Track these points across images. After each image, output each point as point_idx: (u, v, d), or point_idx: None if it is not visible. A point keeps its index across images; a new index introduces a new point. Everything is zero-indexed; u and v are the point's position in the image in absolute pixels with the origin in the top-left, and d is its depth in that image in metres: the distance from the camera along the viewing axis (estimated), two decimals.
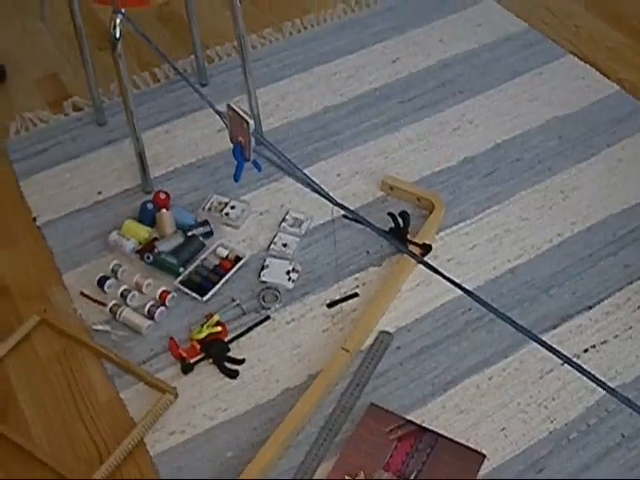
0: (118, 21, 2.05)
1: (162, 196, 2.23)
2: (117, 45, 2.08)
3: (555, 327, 1.99)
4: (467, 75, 2.71)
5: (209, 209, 2.27)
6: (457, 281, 2.02)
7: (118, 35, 2.06)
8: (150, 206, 2.22)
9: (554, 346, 1.31)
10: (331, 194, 2.29)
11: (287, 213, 2.26)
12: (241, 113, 1.26)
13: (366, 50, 2.83)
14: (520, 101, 2.61)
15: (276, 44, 2.88)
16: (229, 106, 1.29)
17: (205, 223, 2.20)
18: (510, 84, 2.68)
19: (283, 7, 3.07)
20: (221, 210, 2.26)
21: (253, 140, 1.28)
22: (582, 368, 1.30)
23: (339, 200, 2.25)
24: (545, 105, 2.59)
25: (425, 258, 2.09)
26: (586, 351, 1.94)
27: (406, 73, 2.73)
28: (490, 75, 2.71)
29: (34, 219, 2.32)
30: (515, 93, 2.64)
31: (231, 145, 1.37)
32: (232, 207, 2.27)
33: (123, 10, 2.02)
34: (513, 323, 1.36)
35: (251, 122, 1.26)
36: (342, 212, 1.43)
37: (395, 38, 2.88)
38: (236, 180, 1.39)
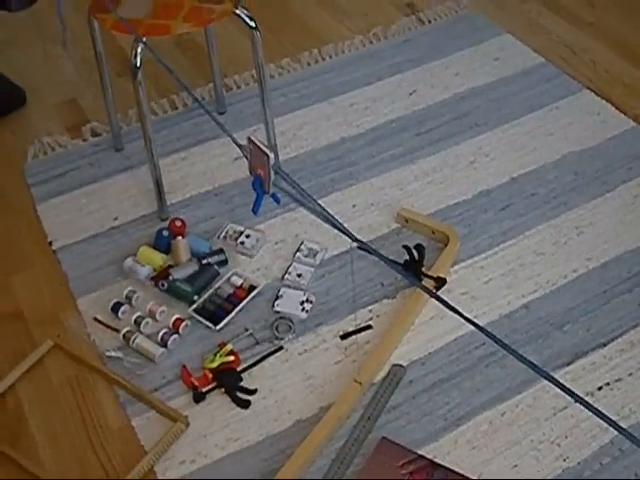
0: (139, 50, 2.07)
1: (178, 224, 2.24)
2: (137, 73, 2.10)
3: (569, 364, 1.97)
4: (483, 108, 2.72)
5: (224, 237, 2.28)
6: (469, 316, 2.02)
7: (139, 63, 2.08)
8: (166, 233, 2.23)
9: (567, 384, 1.30)
10: (346, 225, 2.30)
11: (302, 243, 2.27)
12: (261, 146, 1.27)
13: (383, 82, 2.85)
14: (536, 135, 2.62)
15: (294, 74, 2.90)
16: (250, 139, 1.30)
17: (220, 251, 2.21)
18: (526, 118, 2.68)
19: (301, 37, 3.09)
20: (236, 239, 2.27)
21: (273, 173, 1.28)
22: (594, 408, 1.29)
23: (354, 231, 2.26)
24: (561, 140, 2.60)
25: (439, 292, 2.09)
26: (600, 389, 1.92)
27: (423, 105, 2.74)
28: (506, 109, 2.72)
29: (50, 243, 2.33)
30: (531, 127, 2.65)
31: (250, 176, 1.37)
32: (247, 236, 2.27)
33: (144, 39, 2.04)
34: (525, 360, 1.35)
35: (271, 155, 1.26)
36: (357, 244, 1.44)
37: (412, 70, 2.89)
38: (255, 212, 1.39)
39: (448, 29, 3.10)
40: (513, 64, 2.92)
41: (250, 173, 1.33)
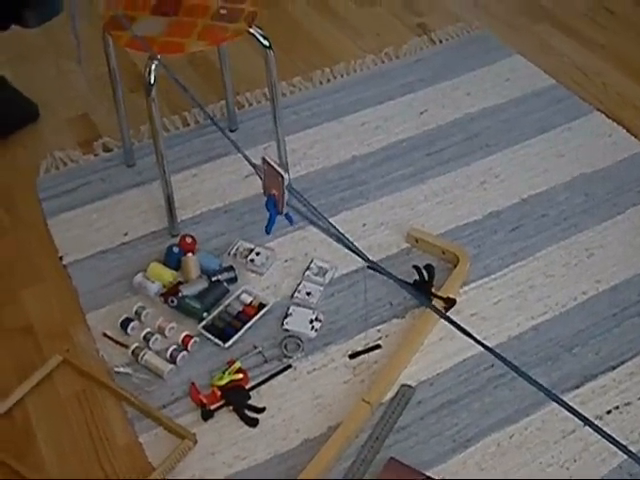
0: (153, 67, 2.08)
1: (188, 240, 2.24)
2: (151, 90, 2.11)
3: (578, 387, 1.97)
4: (494, 129, 2.73)
5: (234, 255, 2.29)
6: (479, 337, 2.02)
7: (153, 81, 2.09)
8: (176, 250, 2.24)
9: (576, 407, 1.29)
10: (356, 244, 2.30)
11: (312, 262, 2.27)
12: (276, 166, 1.28)
13: (394, 101, 2.86)
14: (547, 157, 2.62)
15: (305, 92, 2.91)
16: (264, 159, 1.30)
17: (230, 269, 2.21)
18: (537, 139, 2.69)
19: (313, 56, 3.10)
20: (246, 256, 2.27)
21: (287, 194, 1.29)
22: (603, 431, 1.29)
23: (364, 251, 2.26)
24: (572, 162, 2.60)
25: (449, 312, 2.09)
26: (609, 412, 1.92)
27: (433, 125, 2.75)
28: (517, 130, 2.72)
29: (60, 258, 2.34)
30: (542, 149, 2.65)
31: (262, 194, 1.38)
32: (257, 253, 2.28)
33: (159, 56, 2.05)
34: (534, 382, 1.35)
35: (286, 176, 1.27)
36: (366, 262, 1.44)
37: (423, 90, 2.90)
38: (268, 232, 1.40)
39: (459, 49, 3.11)
40: (524, 85, 2.92)
41: (264, 193, 1.33)
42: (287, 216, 1.35)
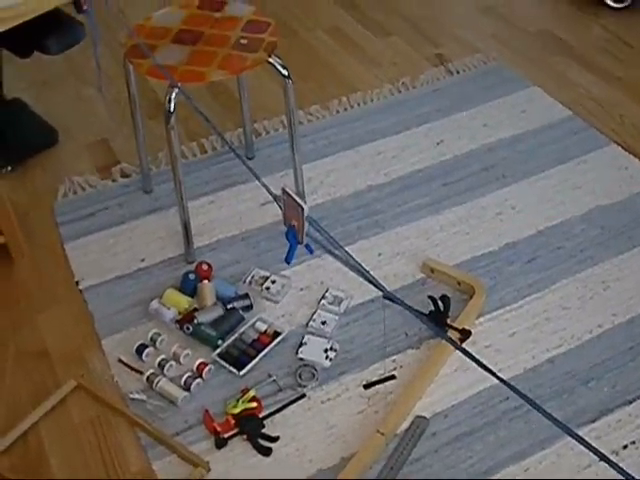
0: (173, 95, 2.10)
1: (204, 267, 2.25)
2: (171, 118, 2.13)
3: (594, 421, 1.96)
4: (510, 160, 2.73)
5: (250, 282, 2.29)
6: (494, 370, 2.01)
7: (172, 109, 2.11)
8: (192, 276, 2.25)
9: (591, 442, 1.28)
10: (372, 273, 2.30)
11: (327, 290, 2.27)
12: (296, 198, 1.28)
13: (411, 131, 2.87)
14: (563, 189, 2.62)
15: (323, 121, 2.93)
16: (284, 190, 1.31)
17: (245, 296, 2.21)
18: (553, 171, 2.69)
19: (330, 85, 3.12)
20: (262, 284, 2.28)
21: (306, 224, 1.30)
22: (618, 466, 1.28)
23: (380, 280, 2.27)
24: (588, 194, 2.60)
25: (464, 344, 2.08)
26: (625, 447, 1.90)
27: (450, 156, 2.75)
28: (534, 161, 2.73)
29: (77, 283, 2.35)
30: (558, 180, 2.65)
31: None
32: (273, 282, 2.28)
33: (179, 85, 2.07)
34: (549, 416, 1.34)
35: (305, 207, 1.28)
36: (383, 293, 1.45)
37: (440, 120, 2.92)
38: (288, 262, 1.41)
39: (476, 80, 3.12)
40: (541, 117, 2.93)
41: (284, 223, 1.34)
42: (307, 246, 1.36)
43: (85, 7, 2.08)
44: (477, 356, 1.98)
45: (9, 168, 2.74)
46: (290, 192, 1.29)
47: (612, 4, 3.52)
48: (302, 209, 1.28)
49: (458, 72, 3.17)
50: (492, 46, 3.33)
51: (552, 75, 3.16)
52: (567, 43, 3.35)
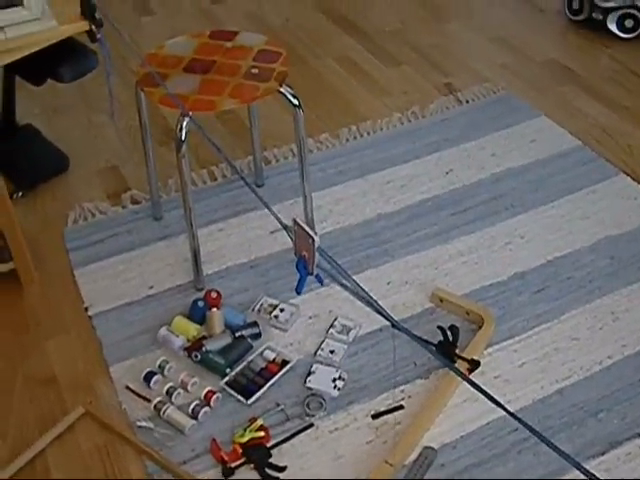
0: (185, 124, 2.11)
1: (214, 295, 2.25)
2: (182, 146, 2.14)
3: (603, 453, 1.94)
4: (519, 190, 2.74)
5: (258, 310, 2.29)
6: (502, 401, 2.01)
7: (184, 137, 2.13)
8: (201, 304, 2.25)
9: (600, 475, 1.28)
10: (380, 303, 2.30)
11: (336, 319, 2.27)
12: (307, 229, 1.29)
13: (420, 160, 2.88)
14: (572, 219, 2.62)
15: (332, 150, 2.94)
16: (295, 221, 1.32)
17: (254, 324, 2.21)
18: (562, 201, 2.69)
19: (340, 113, 3.14)
20: (270, 312, 2.28)
21: (317, 255, 1.30)
22: None
23: (388, 309, 2.27)
24: (597, 224, 2.60)
25: (473, 374, 2.08)
26: None
27: (459, 185, 2.76)
28: (542, 191, 2.73)
29: (86, 309, 2.35)
30: (567, 210, 2.65)
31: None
32: (281, 310, 2.28)
33: (190, 113, 2.08)
34: (558, 449, 1.33)
35: (316, 238, 1.28)
36: (392, 324, 1.45)
37: (449, 150, 2.93)
38: (298, 293, 1.41)
39: (485, 110, 3.13)
40: (549, 146, 2.94)
41: (295, 254, 1.35)
42: (317, 277, 1.36)
43: (99, 36, 2.10)
44: (486, 386, 1.98)
45: (20, 194, 2.76)
46: (301, 223, 1.30)
47: (620, 34, 3.54)
48: (313, 240, 1.28)
49: (467, 101, 3.19)
50: (501, 75, 3.35)
51: (561, 105, 3.17)
52: (575, 73, 3.36)
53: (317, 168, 2.83)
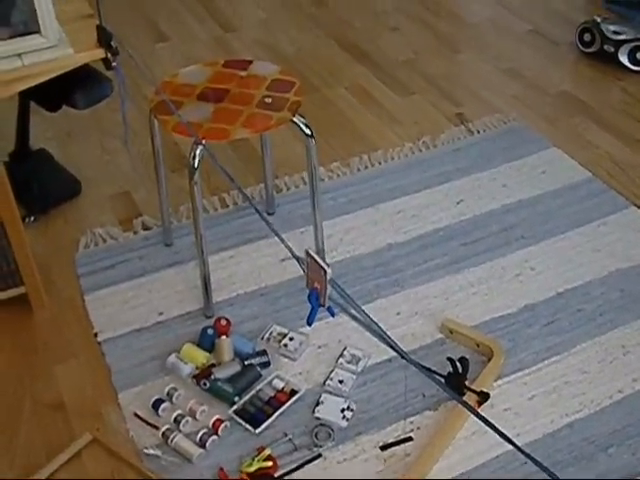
0: (198, 152, 2.12)
1: (223, 322, 2.25)
2: (195, 174, 2.15)
3: None
4: (530, 221, 2.73)
5: (268, 339, 2.29)
6: (512, 434, 2.00)
7: (197, 165, 2.14)
8: (210, 331, 2.25)
9: None
10: (390, 333, 2.30)
11: (345, 349, 2.26)
12: (320, 261, 1.29)
13: (431, 190, 2.88)
14: (583, 251, 2.61)
15: (343, 178, 2.95)
16: (308, 252, 1.32)
17: (263, 353, 2.21)
18: (573, 233, 2.69)
19: (352, 142, 3.15)
20: (280, 341, 2.28)
21: (329, 288, 1.30)
22: None
23: (397, 339, 2.27)
24: (608, 256, 2.59)
25: (482, 406, 2.07)
26: None
27: (470, 215, 2.76)
28: (553, 223, 2.73)
29: (95, 334, 2.35)
30: (578, 242, 2.65)
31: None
32: (291, 339, 2.28)
33: (204, 142, 2.09)
34: None
35: (329, 270, 1.28)
36: (405, 358, 1.44)
37: (460, 180, 2.93)
38: (309, 324, 1.41)
39: (496, 140, 3.14)
40: (560, 178, 2.94)
41: (307, 286, 1.35)
42: (329, 309, 1.36)
43: (114, 64, 2.11)
44: (495, 419, 1.97)
45: (32, 218, 2.77)
46: (314, 255, 1.30)
47: (632, 67, 3.55)
48: (325, 272, 1.28)
49: (479, 132, 3.19)
50: (512, 106, 3.36)
51: (572, 136, 3.18)
52: (587, 105, 3.37)
53: (328, 197, 2.84)
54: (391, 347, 1.40)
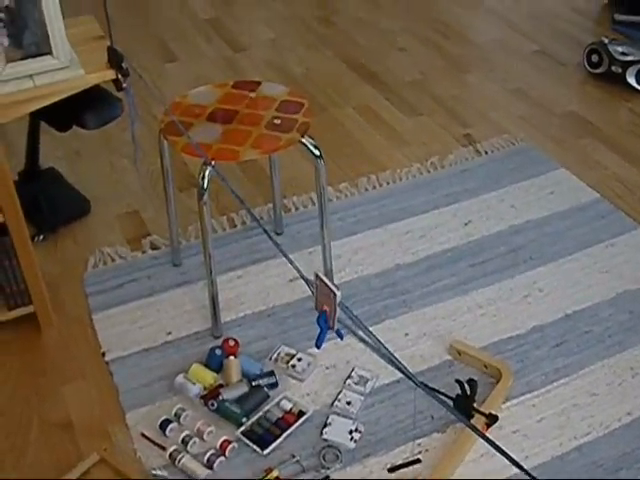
0: (207, 173, 2.13)
1: (231, 343, 2.25)
2: (204, 194, 2.16)
3: None
4: (538, 242, 2.73)
5: (276, 359, 2.29)
6: (520, 456, 1.99)
7: (206, 185, 2.14)
8: (218, 352, 2.25)
9: None
10: (398, 354, 2.29)
11: (353, 370, 2.26)
12: (329, 284, 1.29)
13: (439, 211, 2.89)
14: (591, 272, 2.61)
15: (351, 199, 2.95)
16: (317, 275, 1.32)
17: (271, 374, 2.21)
18: (581, 254, 2.68)
19: (360, 163, 3.16)
20: (287, 362, 2.28)
21: (339, 310, 1.30)
22: None
23: (405, 361, 2.26)
24: (616, 278, 2.59)
25: (491, 428, 2.06)
26: None
27: (478, 236, 2.76)
28: (561, 244, 2.73)
29: (103, 354, 2.36)
30: (586, 264, 2.64)
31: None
32: (299, 359, 2.28)
33: (213, 163, 2.10)
34: None
35: (338, 293, 1.28)
36: (414, 383, 1.44)
37: (468, 201, 2.93)
38: (318, 347, 1.41)
39: (504, 161, 3.14)
40: (568, 199, 2.94)
41: (315, 308, 1.35)
42: (338, 332, 1.36)
43: (124, 85, 2.13)
44: (504, 441, 1.98)
45: (41, 237, 2.78)
46: (323, 277, 1.30)
47: (639, 88, 3.56)
48: (335, 295, 1.28)
49: (486, 152, 3.20)
50: (520, 127, 3.37)
51: (580, 157, 3.18)
52: (595, 125, 3.38)
53: (336, 217, 2.84)
54: (400, 370, 1.39)
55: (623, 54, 3.56)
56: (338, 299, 1.29)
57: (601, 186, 3.01)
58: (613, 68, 3.60)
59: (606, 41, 3.63)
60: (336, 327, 1.34)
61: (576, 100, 3.56)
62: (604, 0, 4.38)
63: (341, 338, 1.40)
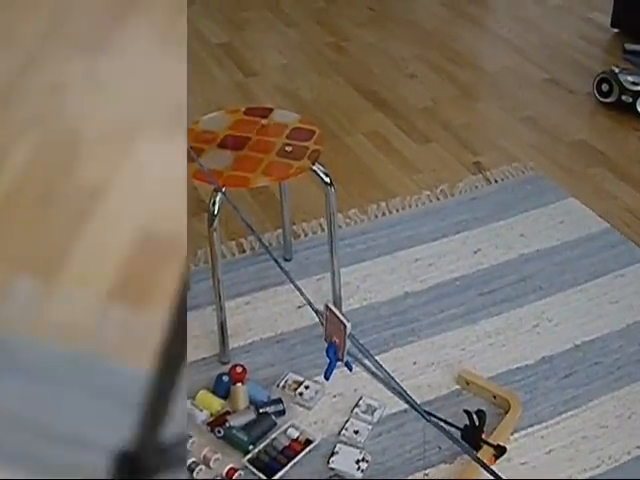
0: (217, 199, 2.14)
1: (239, 370, 2.25)
2: (214, 221, 2.16)
3: None
4: (547, 272, 2.73)
5: (283, 387, 2.28)
6: None
7: (216, 212, 2.15)
8: (226, 379, 2.24)
9: None
10: (405, 384, 2.28)
11: (360, 399, 2.25)
12: (339, 315, 1.29)
13: (448, 239, 2.88)
14: (600, 303, 2.60)
15: (361, 225, 2.96)
16: (327, 306, 1.32)
17: (278, 401, 2.20)
18: (591, 284, 2.68)
19: (369, 189, 3.16)
20: (295, 389, 2.27)
21: (348, 342, 1.30)
22: None
23: (413, 390, 2.25)
24: (626, 309, 2.58)
25: (499, 460, 2.04)
26: None
27: (487, 265, 2.76)
28: (571, 273, 2.72)
29: None
30: (596, 294, 2.64)
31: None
32: (306, 387, 2.27)
33: (224, 189, 2.11)
34: None
35: (349, 325, 1.28)
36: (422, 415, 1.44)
37: (477, 229, 2.93)
38: (327, 379, 1.40)
39: (514, 190, 3.15)
40: (578, 228, 2.94)
41: (325, 340, 1.34)
42: (347, 364, 1.36)
43: None
44: (512, 473, 1.96)
45: None
46: (333, 308, 1.30)
47: None
48: (345, 327, 1.28)
49: (496, 181, 3.20)
50: (530, 156, 3.37)
51: (589, 186, 3.18)
52: (605, 155, 3.38)
53: (345, 243, 2.84)
54: (408, 403, 1.39)
55: (634, 83, 3.57)
56: (348, 331, 1.29)
57: (611, 216, 3.01)
58: (623, 97, 3.60)
59: (616, 70, 3.64)
60: (346, 359, 1.34)
61: (586, 129, 3.57)
62: (615, 29, 4.40)
63: (350, 370, 1.40)
